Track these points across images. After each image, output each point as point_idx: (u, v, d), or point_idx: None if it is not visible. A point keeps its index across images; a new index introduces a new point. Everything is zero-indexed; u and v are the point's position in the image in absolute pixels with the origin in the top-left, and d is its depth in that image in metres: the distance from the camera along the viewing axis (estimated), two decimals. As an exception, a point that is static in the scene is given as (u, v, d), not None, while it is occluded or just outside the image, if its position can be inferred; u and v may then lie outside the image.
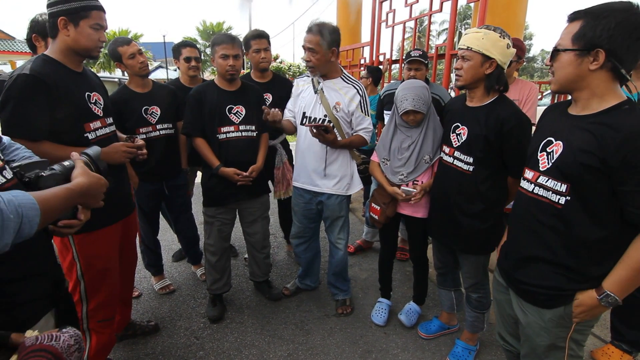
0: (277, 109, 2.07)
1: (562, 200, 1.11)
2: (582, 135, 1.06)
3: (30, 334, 0.71)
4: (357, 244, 3.30)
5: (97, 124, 1.57)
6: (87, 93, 1.54)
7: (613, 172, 1.00)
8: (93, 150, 0.99)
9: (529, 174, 1.23)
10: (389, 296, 2.38)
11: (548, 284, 1.17)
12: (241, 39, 2.25)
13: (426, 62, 2.54)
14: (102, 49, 1.56)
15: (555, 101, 5.27)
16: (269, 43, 2.59)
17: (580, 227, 1.09)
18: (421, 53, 2.53)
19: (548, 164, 1.15)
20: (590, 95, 1.07)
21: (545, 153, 1.17)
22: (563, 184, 1.10)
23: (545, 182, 1.15)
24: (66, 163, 0.90)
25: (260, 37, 2.54)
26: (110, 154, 1.58)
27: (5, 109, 1.35)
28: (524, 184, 1.26)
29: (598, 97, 1.06)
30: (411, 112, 1.84)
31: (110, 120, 1.67)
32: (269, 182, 2.59)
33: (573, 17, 1.07)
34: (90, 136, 1.54)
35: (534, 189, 1.20)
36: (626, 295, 1.07)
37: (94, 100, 1.56)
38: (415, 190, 1.89)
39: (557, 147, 1.13)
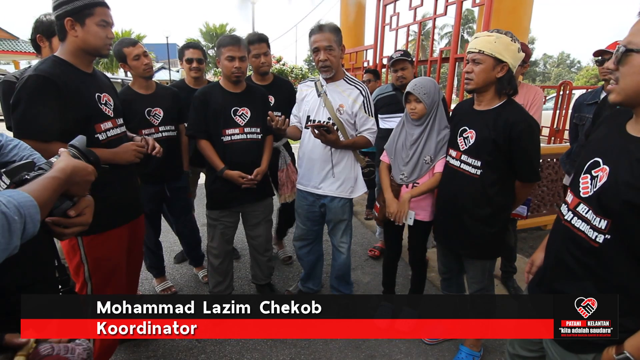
0: (283, 116, 2.05)
1: (600, 238, 0.92)
2: (631, 165, 0.86)
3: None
4: (378, 247, 3.26)
5: (108, 124, 1.57)
6: (97, 94, 1.54)
7: None
8: (78, 140, 0.95)
9: (569, 197, 1.05)
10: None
11: None
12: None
13: (410, 59, 2.63)
14: (111, 47, 1.56)
15: (559, 106, 5.26)
16: (268, 46, 2.57)
17: (618, 272, 0.91)
18: (403, 52, 2.64)
19: (590, 190, 0.96)
20: None
21: (589, 176, 0.97)
22: (603, 220, 0.91)
23: (585, 212, 0.97)
24: (54, 159, 0.86)
25: (260, 41, 2.51)
26: (121, 154, 1.59)
27: (16, 110, 1.35)
28: (562, 209, 1.08)
29: None
30: (412, 98, 1.84)
31: (120, 120, 1.67)
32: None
33: None
34: (101, 137, 1.54)
35: (572, 218, 1.01)
36: None
37: (104, 101, 1.56)
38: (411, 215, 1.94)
39: (603, 173, 0.93)
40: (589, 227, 0.94)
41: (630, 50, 0.84)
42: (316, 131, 1.94)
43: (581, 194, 0.99)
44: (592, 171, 0.97)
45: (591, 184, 0.96)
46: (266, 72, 2.60)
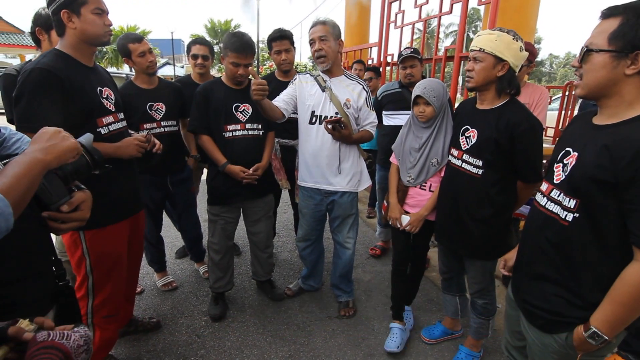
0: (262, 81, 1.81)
1: (570, 217, 1.02)
2: (596, 147, 0.96)
3: (27, 325, 0.68)
4: (379, 245, 3.26)
5: (110, 118, 1.58)
6: (99, 88, 1.54)
7: (622, 188, 0.91)
8: (86, 138, 0.94)
9: (543, 186, 1.15)
10: (402, 317, 2.16)
11: (548, 308, 1.09)
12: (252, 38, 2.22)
13: (419, 57, 2.59)
14: (111, 35, 1.55)
15: (564, 107, 5.23)
16: (291, 44, 2.51)
17: (585, 248, 1.00)
18: (413, 50, 2.60)
19: (562, 176, 1.06)
20: (620, 102, 0.96)
21: (561, 165, 1.08)
22: (572, 200, 1.01)
23: (557, 196, 1.07)
24: None
25: (281, 38, 2.46)
26: (123, 148, 1.60)
27: (19, 104, 1.34)
28: (538, 197, 1.17)
29: (627, 104, 0.95)
30: (421, 101, 1.82)
31: (121, 115, 1.67)
32: (287, 182, 2.56)
33: (609, 13, 0.93)
34: (103, 131, 1.54)
35: (546, 203, 1.11)
36: (616, 333, 0.97)
37: (105, 95, 1.57)
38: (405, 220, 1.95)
39: (572, 159, 1.03)
40: (560, 207, 1.05)
41: (590, 50, 0.96)
42: (329, 126, 1.94)
43: (554, 181, 1.09)
44: (564, 160, 1.07)
45: (562, 171, 1.07)
46: (288, 70, 2.58)
